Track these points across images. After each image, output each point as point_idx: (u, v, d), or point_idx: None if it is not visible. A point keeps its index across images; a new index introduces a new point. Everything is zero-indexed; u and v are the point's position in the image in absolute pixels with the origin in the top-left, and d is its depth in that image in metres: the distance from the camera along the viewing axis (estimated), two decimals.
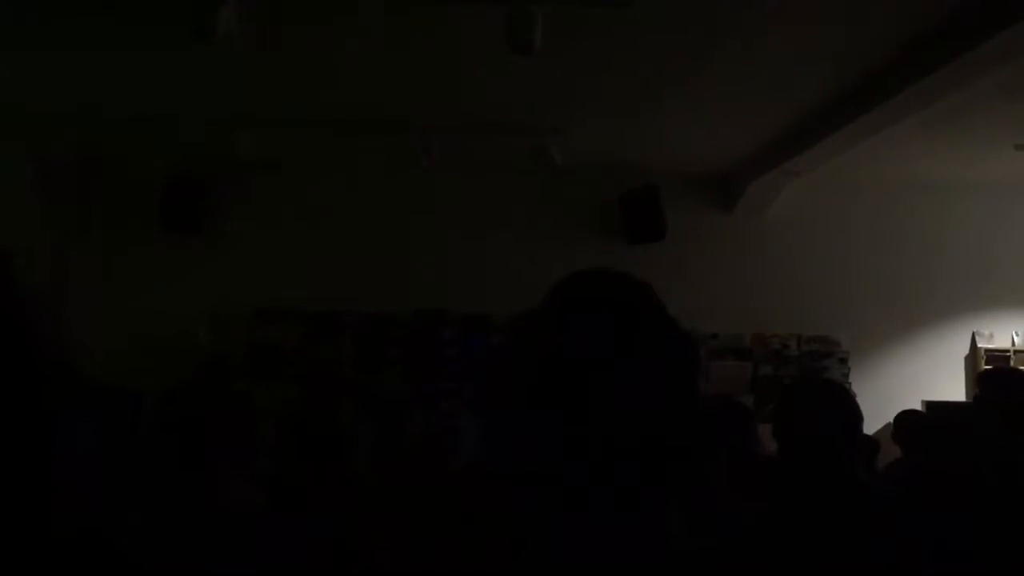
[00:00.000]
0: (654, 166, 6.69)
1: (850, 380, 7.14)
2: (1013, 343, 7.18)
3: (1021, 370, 5.70)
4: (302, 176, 6.94)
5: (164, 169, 6.64)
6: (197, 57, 4.50)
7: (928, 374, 7.04)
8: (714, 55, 4.63)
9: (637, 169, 6.70)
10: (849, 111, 5.19)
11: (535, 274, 7.89)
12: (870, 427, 6.11)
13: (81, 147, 6.55)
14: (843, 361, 7.16)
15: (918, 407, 6.28)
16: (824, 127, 5.50)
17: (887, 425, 6.28)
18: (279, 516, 2.31)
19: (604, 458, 0.92)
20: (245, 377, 6.48)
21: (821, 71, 4.88)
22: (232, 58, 4.60)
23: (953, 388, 7.04)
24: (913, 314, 7.18)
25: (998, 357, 7.07)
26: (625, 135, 6.09)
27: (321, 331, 6.88)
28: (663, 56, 4.66)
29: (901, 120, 5.12)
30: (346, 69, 4.98)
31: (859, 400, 7.73)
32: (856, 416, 2.47)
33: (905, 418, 5.10)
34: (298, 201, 6.99)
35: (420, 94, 5.33)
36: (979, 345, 7.17)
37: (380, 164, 6.66)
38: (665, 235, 6.85)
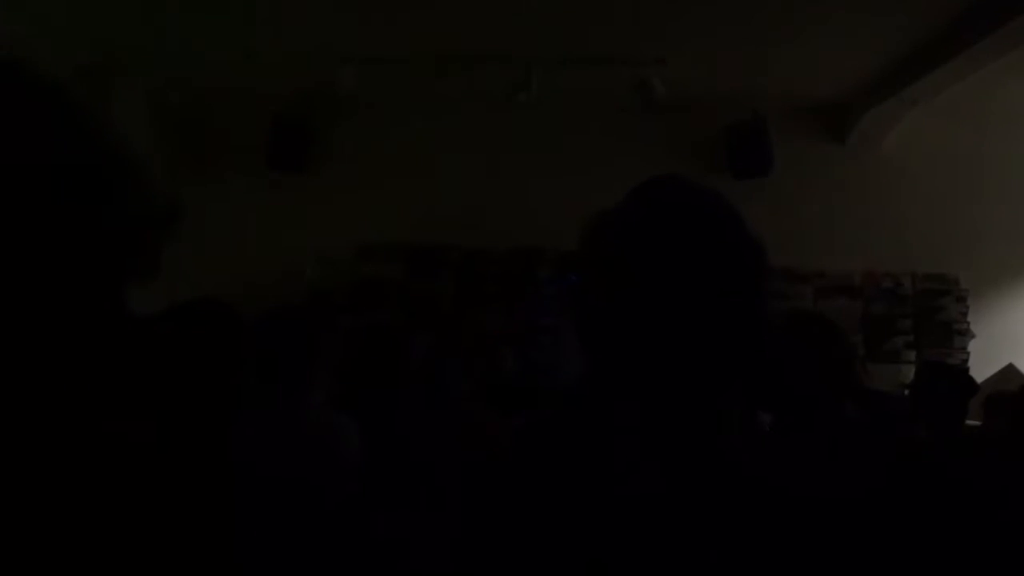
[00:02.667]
0: (760, 97, 6.44)
1: (968, 320, 6.82)
2: None
3: None
4: (403, 113, 6.97)
5: (270, 108, 6.78)
6: None
7: None
8: None
9: (743, 100, 6.46)
10: (969, 33, 4.84)
11: None
12: (987, 370, 5.86)
13: (192, 88, 6.72)
14: (961, 300, 6.83)
15: None
16: (943, 51, 5.15)
17: (1009, 365, 6.01)
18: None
19: (667, 371, 0.91)
20: (350, 312, 6.65)
21: None
22: None
23: None
24: None
25: None
26: (729, 64, 5.87)
27: (423, 266, 6.98)
28: None
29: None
30: (445, 3, 4.95)
31: (978, 342, 7.46)
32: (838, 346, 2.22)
33: None
34: (399, 138, 7.03)
35: (519, 25, 5.25)
36: None
37: (480, 100, 6.62)
38: (772, 169, 6.62)
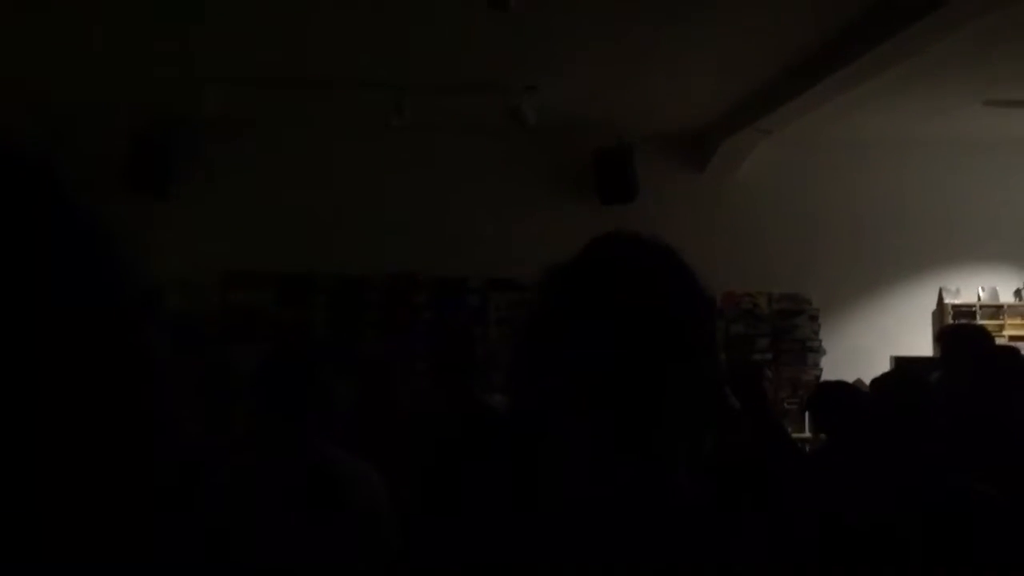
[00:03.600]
0: (627, 125, 6.67)
1: (820, 337, 7.23)
2: (979, 298, 7.31)
3: (979, 325, 5.87)
4: (272, 136, 6.82)
5: (130, 129, 6.50)
6: (164, 11, 4.39)
7: (897, 329, 7.15)
8: (688, 12, 4.60)
9: (610, 128, 6.67)
10: (819, 70, 5.19)
11: (507, 234, 7.87)
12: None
13: (45, 105, 6.38)
14: (813, 318, 7.25)
15: (887, 362, 6.39)
16: (794, 86, 5.51)
17: (857, 380, 6.38)
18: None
19: (621, 404, 0.95)
20: (218, 341, 6.43)
21: (792, 30, 4.87)
22: (199, 13, 4.49)
23: (921, 343, 7.16)
24: (882, 270, 7.27)
25: (964, 312, 7.20)
26: (598, 93, 6.06)
27: (294, 294, 6.83)
28: (636, 13, 4.62)
29: (870, 78, 5.15)
30: (317, 25, 4.89)
31: (829, 356, 7.85)
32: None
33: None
34: (268, 161, 6.88)
35: (392, 51, 5.25)
36: (946, 300, 7.29)
37: (351, 124, 6.57)
38: (637, 195, 6.85)
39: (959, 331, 4.88)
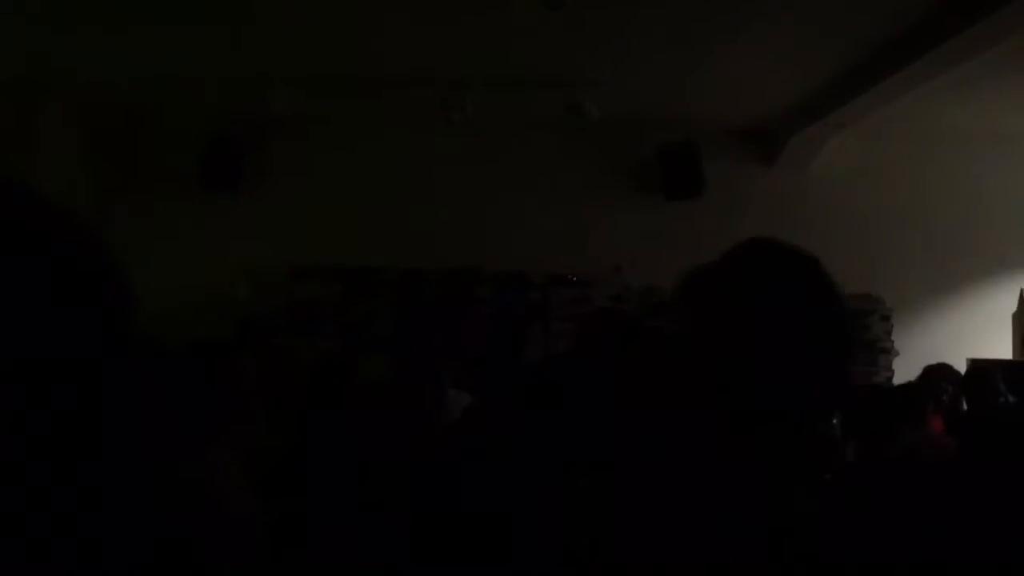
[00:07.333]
0: (692, 120, 6.56)
1: (893, 338, 7.01)
2: None
3: None
4: (338, 133, 6.92)
5: (203, 128, 6.67)
6: (231, 13, 4.48)
7: (974, 331, 6.88)
8: (755, 4, 4.50)
9: (675, 123, 6.57)
10: (894, 61, 5.01)
11: (571, 231, 7.80)
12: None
13: (123, 107, 6.58)
14: (886, 319, 7.03)
15: (963, 365, 6.15)
16: (868, 78, 5.33)
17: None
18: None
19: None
20: (283, 333, 6.56)
21: (866, 19, 4.72)
22: (266, 13, 4.56)
23: (1000, 346, 6.89)
24: (959, 270, 7.01)
25: None
26: (662, 87, 5.97)
27: (359, 288, 6.91)
28: (701, 4, 4.53)
29: (947, 70, 4.94)
30: (379, 25, 4.93)
31: (902, 358, 7.61)
32: None
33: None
34: (334, 158, 6.97)
35: (453, 50, 5.27)
36: None
37: (415, 121, 6.61)
38: (703, 190, 6.74)
39: None
